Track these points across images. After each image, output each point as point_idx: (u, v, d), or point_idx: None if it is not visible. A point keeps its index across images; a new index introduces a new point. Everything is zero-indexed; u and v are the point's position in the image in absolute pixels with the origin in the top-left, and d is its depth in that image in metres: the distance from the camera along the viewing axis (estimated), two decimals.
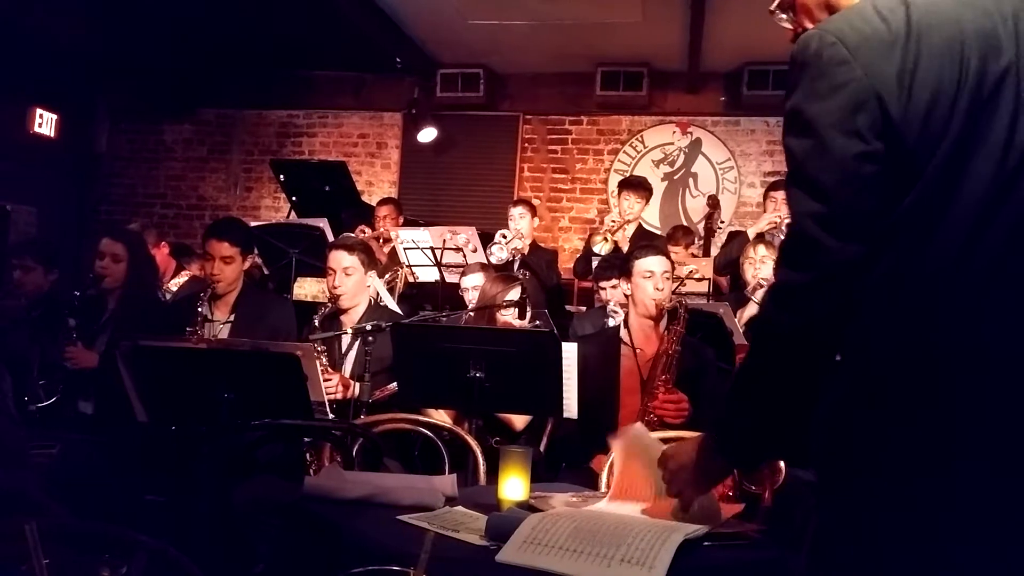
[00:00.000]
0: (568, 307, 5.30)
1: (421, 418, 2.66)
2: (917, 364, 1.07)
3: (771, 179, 6.12)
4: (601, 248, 4.97)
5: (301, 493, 1.78)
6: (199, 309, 3.34)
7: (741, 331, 3.62)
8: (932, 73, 1.06)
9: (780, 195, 4.83)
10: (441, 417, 2.99)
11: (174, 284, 4.61)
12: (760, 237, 4.29)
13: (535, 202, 5.93)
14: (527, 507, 1.70)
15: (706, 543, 1.50)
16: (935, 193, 1.07)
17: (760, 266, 3.93)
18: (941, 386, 1.05)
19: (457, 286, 4.40)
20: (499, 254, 4.76)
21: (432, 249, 4.75)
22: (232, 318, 3.49)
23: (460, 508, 1.74)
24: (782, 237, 4.19)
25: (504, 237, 4.86)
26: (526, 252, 4.95)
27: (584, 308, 5.07)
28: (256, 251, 4.73)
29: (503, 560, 1.38)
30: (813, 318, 1.11)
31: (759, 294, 3.76)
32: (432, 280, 4.86)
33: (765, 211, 4.96)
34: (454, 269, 4.73)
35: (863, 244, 1.08)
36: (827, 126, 1.08)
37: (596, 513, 1.64)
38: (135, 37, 6.44)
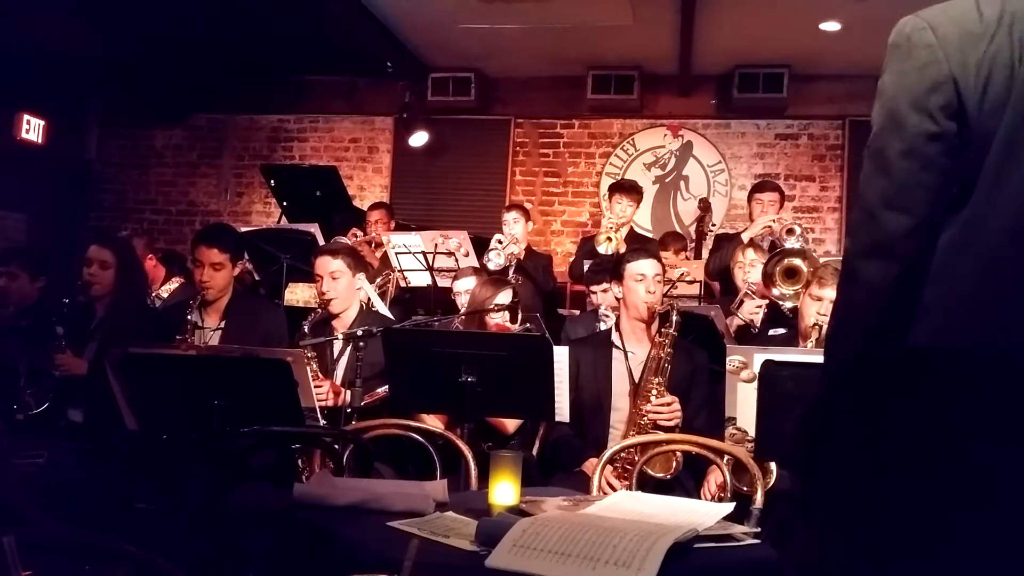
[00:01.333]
0: (560, 311, 5.30)
1: (412, 423, 2.65)
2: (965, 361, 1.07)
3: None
4: (606, 248, 4.97)
5: (291, 500, 1.77)
6: (189, 316, 3.33)
7: (732, 334, 3.63)
8: (1008, 61, 1.10)
9: (766, 197, 4.84)
10: (433, 422, 2.99)
11: (164, 291, 4.59)
12: (750, 241, 4.30)
13: (528, 206, 5.93)
14: (518, 512, 1.70)
15: (696, 545, 1.50)
16: (988, 182, 1.10)
17: (750, 270, 3.93)
18: (985, 388, 1.05)
19: (449, 290, 4.40)
20: (496, 260, 4.75)
21: (424, 253, 4.75)
22: (223, 325, 3.48)
23: (451, 513, 1.73)
24: (772, 240, 4.21)
25: (500, 242, 4.85)
26: (522, 257, 4.95)
27: (577, 312, 5.07)
28: (247, 257, 4.73)
29: (492, 565, 1.38)
30: (873, 287, 1.14)
31: (744, 308, 3.76)
32: (424, 284, 4.85)
33: (751, 213, 4.96)
34: (446, 273, 4.72)
35: (915, 219, 1.11)
36: (904, 103, 1.14)
37: (587, 517, 1.64)
38: (125, 42, 6.41)
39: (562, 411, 2.86)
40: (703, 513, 1.69)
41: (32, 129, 7.01)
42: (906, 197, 1.12)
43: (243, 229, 4.93)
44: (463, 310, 3.63)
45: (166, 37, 6.42)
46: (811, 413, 1.15)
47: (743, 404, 2.47)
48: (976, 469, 1.05)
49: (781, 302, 3.54)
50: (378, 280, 4.69)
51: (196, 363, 2.73)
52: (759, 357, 2.53)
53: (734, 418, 2.45)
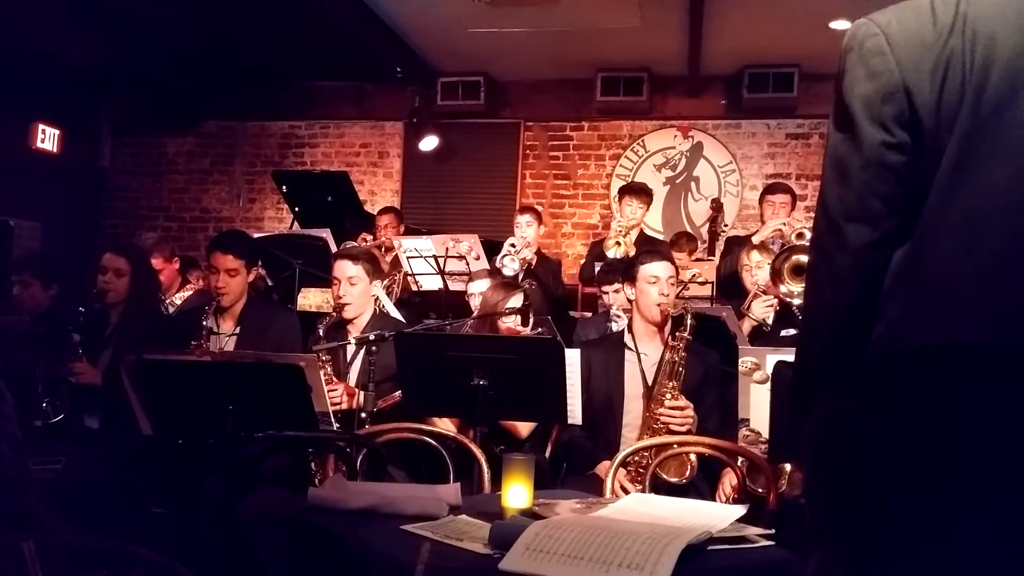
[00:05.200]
0: (572, 313, 5.29)
1: (425, 427, 2.66)
2: (929, 359, 1.07)
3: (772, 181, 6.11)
4: (615, 252, 4.96)
5: (305, 504, 1.78)
6: (204, 322, 3.35)
7: (745, 335, 3.62)
8: (960, 69, 1.09)
9: (777, 199, 4.83)
10: (445, 426, 3.00)
11: (179, 297, 4.62)
12: (757, 244, 4.29)
13: (538, 208, 5.93)
14: (531, 515, 1.70)
15: (710, 547, 1.50)
16: (942, 190, 1.09)
17: (756, 271, 3.92)
18: (950, 383, 1.05)
19: (460, 294, 4.41)
20: (511, 266, 4.73)
21: (435, 257, 4.76)
22: (237, 330, 3.50)
23: (464, 517, 1.74)
24: (782, 242, 4.20)
25: (513, 247, 4.84)
26: (534, 263, 4.94)
27: (589, 314, 5.07)
28: (260, 263, 4.76)
29: (506, 568, 1.38)
30: (837, 296, 1.15)
31: (755, 307, 3.75)
32: (435, 288, 4.86)
33: (762, 215, 4.95)
34: (457, 277, 4.73)
35: (875, 228, 1.12)
36: (858, 112, 1.12)
37: (600, 519, 1.64)
38: (137, 51, 6.47)
39: (574, 414, 2.86)
40: (716, 515, 1.69)
41: (47, 138, 7.08)
42: (865, 207, 1.12)
43: (256, 235, 4.95)
44: (475, 313, 3.64)
45: (177, 46, 6.47)
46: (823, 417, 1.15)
47: (756, 405, 2.47)
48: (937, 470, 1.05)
49: (789, 299, 3.53)
50: (384, 282, 4.71)
51: (210, 369, 2.75)
52: (772, 358, 2.53)
53: (747, 419, 2.45)
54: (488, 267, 4.70)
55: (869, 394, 1.11)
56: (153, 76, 6.96)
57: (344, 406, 3.13)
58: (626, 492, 2.73)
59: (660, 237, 6.12)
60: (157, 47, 6.45)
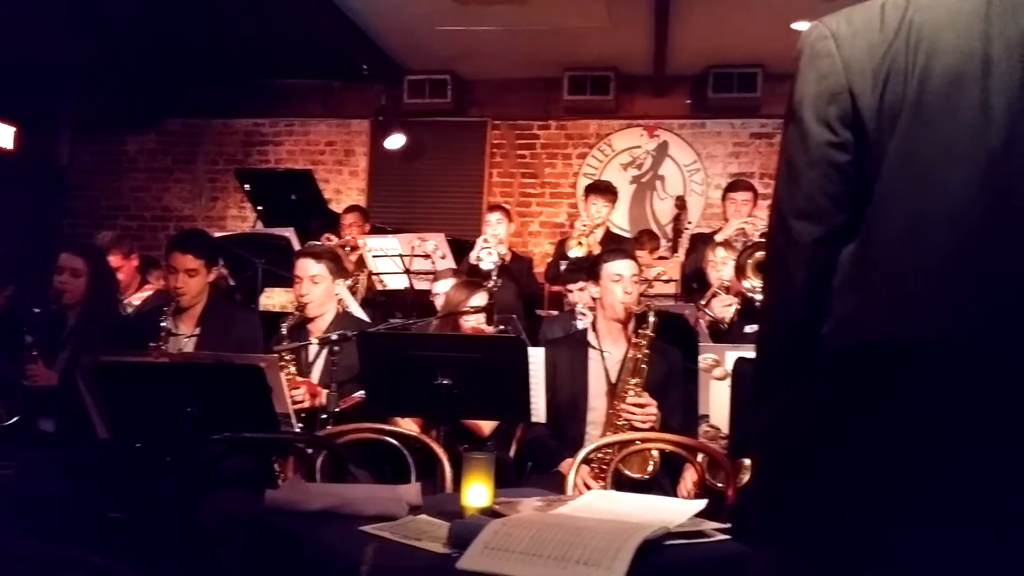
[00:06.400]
0: (538, 311, 5.30)
1: (387, 427, 2.65)
2: (878, 355, 1.08)
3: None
4: (577, 251, 4.98)
5: (262, 506, 1.76)
6: (162, 323, 3.30)
7: (707, 332, 3.65)
8: (903, 71, 1.11)
9: (740, 196, 4.88)
10: (408, 425, 2.98)
11: (137, 298, 4.54)
12: (722, 241, 4.34)
13: (507, 207, 5.93)
14: (491, 513, 1.70)
15: (667, 542, 1.50)
16: (884, 191, 1.11)
17: (721, 267, 3.97)
18: (898, 379, 1.07)
19: (426, 293, 4.39)
20: (488, 259, 4.72)
21: (400, 256, 4.73)
22: (198, 331, 3.45)
23: (424, 517, 1.73)
24: (745, 240, 4.24)
25: (487, 243, 4.83)
26: (508, 260, 4.94)
27: (556, 312, 5.08)
28: (221, 262, 4.70)
29: (463, 567, 1.38)
30: (789, 291, 1.17)
31: (715, 304, 3.79)
32: (402, 287, 4.84)
33: (725, 212, 5.00)
34: (423, 276, 4.71)
35: (822, 225, 1.14)
36: (807, 112, 1.15)
37: (560, 517, 1.64)
38: (97, 46, 6.35)
39: (538, 412, 2.87)
40: (675, 510, 1.70)
41: (2, 135, 6.92)
42: (813, 206, 1.14)
43: (217, 234, 4.89)
44: (439, 312, 3.63)
45: (138, 41, 6.36)
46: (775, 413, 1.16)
47: (716, 402, 2.49)
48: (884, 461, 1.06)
49: (753, 295, 3.57)
50: (348, 282, 4.68)
51: (168, 370, 2.71)
52: (731, 355, 2.56)
53: (707, 416, 2.47)
54: (454, 266, 4.69)
55: (820, 390, 1.12)
56: (113, 73, 6.83)
57: (307, 405, 3.10)
58: (589, 489, 2.75)
59: (626, 235, 6.15)
60: (118, 43, 6.33)
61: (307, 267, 3.32)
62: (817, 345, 1.14)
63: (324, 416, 3.00)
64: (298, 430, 2.90)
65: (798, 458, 1.13)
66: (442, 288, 3.89)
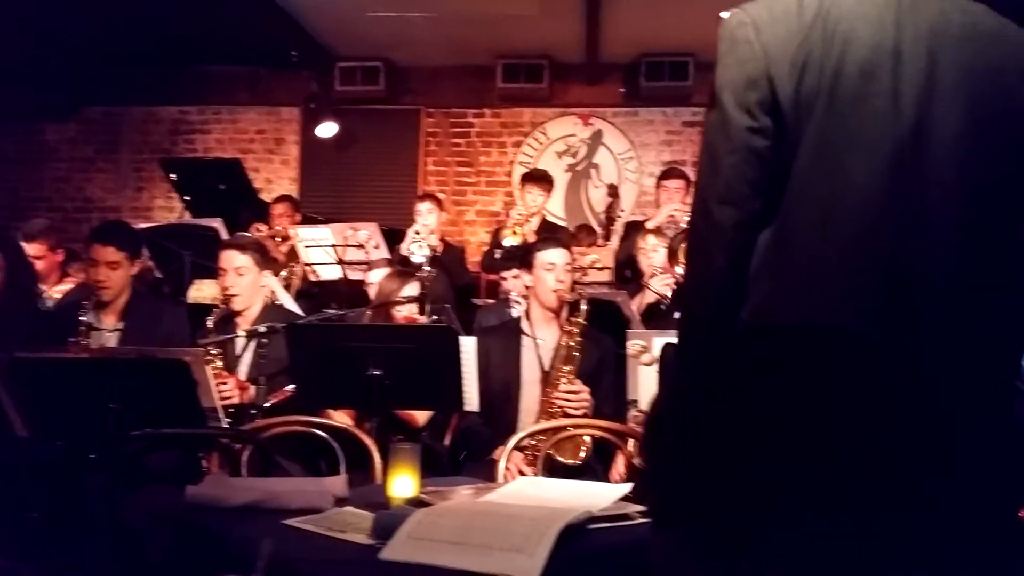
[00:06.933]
0: (475, 300, 5.30)
1: (315, 420, 2.62)
2: (785, 340, 1.11)
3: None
4: (511, 241, 4.98)
5: (183, 503, 1.73)
6: (82, 317, 3.20)
7: (639, 319, 3.70)
8: (819, 60, 1.13)
9: (672, 184, 4.95)
10: (342, 418, 2.96)
11: (57, 291, 4.39)
12: (653, 228, 4.40)
13: (440, 196, 5.91)
14: (418, 503, 1.70)
15: (592, 526, 1.53)
16: (799, 178, 1.13)
17: (652, 255, 4.02)
18: (803, 365, 1.10)
19: (361, 283, 4.35)
20: (419, 252, 4.69)
21: (333, 247, 4.67)
22: (121, 325, 3.36)
23: (350, 509, 1.72)
24: (675, 227, 4.31)
25: (418, 234, 4.80)
26: (440, 250, 4.91)
27: (492, 301, 5.09)
28: (149, 254, 4.57)
29: (386, 558, 1.37)
30: (709, 275, 1.18)
31: (655, 282, 3.84)
32: (335, 278, 4.78)
33: (658, 200, 5.07)
34: (357, 267, 4.66)
35: (742, 210, 1.15)
36: (728, 98, 1.16)
37: (485, 505, 1.65)
38: (12, 31, 6.08)
39: (471, 401, 2.86)
40: (600, 495, 1.73)
41: None
42: (732, 191, 1.16)
43: (142, 225, 4.76)
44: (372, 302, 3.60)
45: (57, 28, 6.11)
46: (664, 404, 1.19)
47: (645, 387, 2.53)
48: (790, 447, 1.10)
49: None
50: (283, 273, 4.60)
51: (88, 366, 2.63)
52: (659, 340, 2.60)
53: (636, 401, 2.50)
54: (388, 256, 4.66)
55: (728, 375, 1.14)
56: (31, 59, 6.55)
57: (236, 400, 3.05)
58: (523, 475, 2.77)
59: (563, 224, 6.18)
60: (34, 29, 6.07)
61: (232, 259, 3.26)
62: (735, 329, 1.16)
63: (254, 411, 2.95)
64: (226, 425, 2.85)
65: (694, 443, 1.15)
66: (376, 278, 3.86)
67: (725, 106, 1.17)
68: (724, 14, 1.25)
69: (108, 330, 3.34)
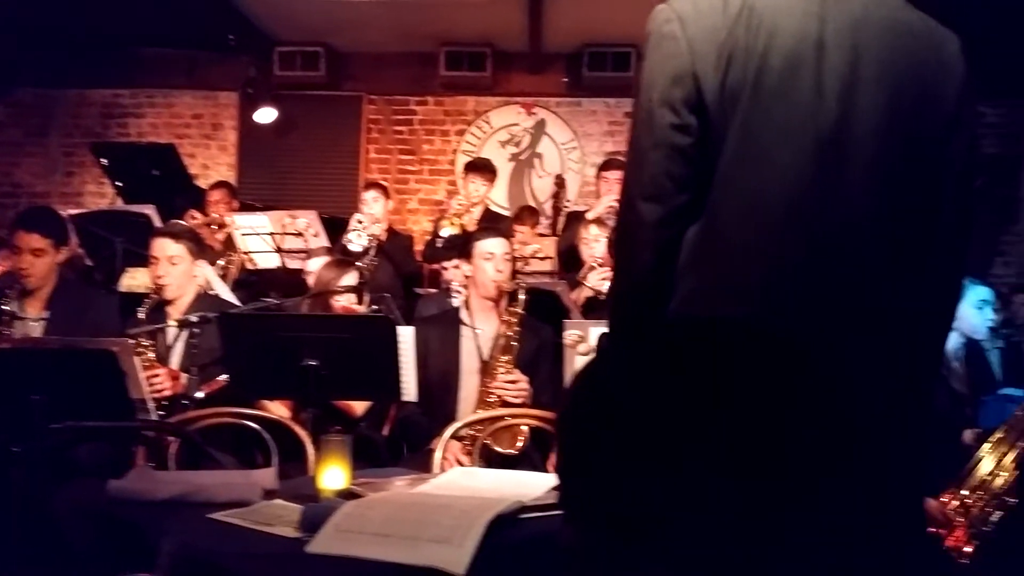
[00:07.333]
0: (417, 290, 5.27)
1: (247, 411, 2.58)
2: (705, 331, 1.12)
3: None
4: (448, 231, 4.95)
5: (106, 497, 1.69)
6: (5, 307, 3.09)
7: (578, 309, 3.72)
8: (744, 53, 1.13)
9: (612, 175, 4.98)
10: (279, 409, 2.92)
11: None
12: (594, 218, 4.42)
13: (384, 184, 5.84)
14: (349, 495, 1.68)
15: (522, 516, 1.53)
16: (724, 173, 1.14)
17: (594, 245, 4.05)
18: (720, 361, 1.11)
19: (299, 272, 4.28)
20: (357, 242, 4.62)
21: (271, 235, 4.59)
22: (46, 315, 3.26)
23: (278, 501, 1.70)
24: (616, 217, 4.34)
25: (360, 223, 4.73)
26: (384, 239, 4.85)
27: (434, 291, 5.06)
28: (78, 241, 4.44)
29: (313, 551, 1.36)
30: (634, 270, 1.18)
31: (591, 277, 3.86)
32: (273, 267, 4.70)
33: (599, 191, 5.09)
34: (295, 255, 4.59)
35: (664, 207, 1.15)
36: (653, 95, 1.16)
37: (416, 496, 1.65)
38: None
39: (409, 391, 2.85)
40: (533, 485, 1.74)
41: None
42: (656, 187, 1.16)
43: (72, 212, 4.60)
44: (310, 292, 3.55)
45: None
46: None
47: None
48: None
49: None
50: (220, 262, 4.51)
51: (11, 356, 2.56)
52: (595, 331, 2.62)
53: None
54: (327, 244, 4.59)
55: (647, 367, 1.15)
56: None
57: (168, 392, 2.98)
58: (460, 465, 2.77)
59: (506, 214, 6.18)
60: None
61: (164, 247, 3.18)
62: (662, 323, 1.17)
63: (186, 402, 2.89)
64: (157, 417, 2.78)
65: (606, 435, 1.16)
66: (315, 267, 3.80)
67: (650, 102, 1.16)
68: (656, 12, 1.25)
69: (32, 319, 3.23)
